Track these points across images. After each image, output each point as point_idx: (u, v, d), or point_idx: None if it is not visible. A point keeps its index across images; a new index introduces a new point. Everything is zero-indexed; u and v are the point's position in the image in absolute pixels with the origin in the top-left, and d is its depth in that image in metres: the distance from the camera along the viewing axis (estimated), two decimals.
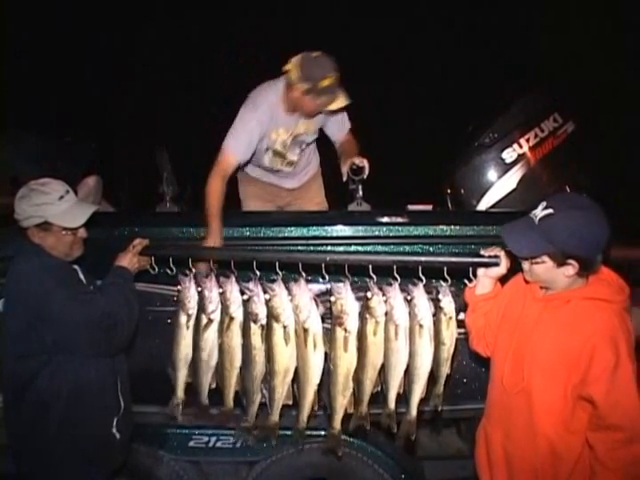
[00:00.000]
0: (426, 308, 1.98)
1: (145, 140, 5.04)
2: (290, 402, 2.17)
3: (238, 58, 7.18)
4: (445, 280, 1.99)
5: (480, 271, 1.97)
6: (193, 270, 2.18)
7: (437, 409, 2.10)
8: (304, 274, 2.06)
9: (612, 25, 6.50)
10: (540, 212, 1.68)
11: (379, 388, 2.09)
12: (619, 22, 6.42)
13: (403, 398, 2.09)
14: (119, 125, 6.89)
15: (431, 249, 2.43)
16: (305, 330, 2.05)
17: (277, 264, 2.07)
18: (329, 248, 2.44)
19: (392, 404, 2.08)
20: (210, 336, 2.18)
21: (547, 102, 3.03)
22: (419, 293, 1.98)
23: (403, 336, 2.01)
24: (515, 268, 1.89)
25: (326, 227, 2.49)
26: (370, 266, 2.01)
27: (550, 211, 1.65)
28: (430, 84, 6.99)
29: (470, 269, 1.99)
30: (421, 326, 1.98)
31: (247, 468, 2.69)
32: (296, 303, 2.04)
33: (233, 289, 2.12)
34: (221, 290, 2.13)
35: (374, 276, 2.00)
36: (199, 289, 2.16)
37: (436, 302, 1.99)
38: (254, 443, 2.45)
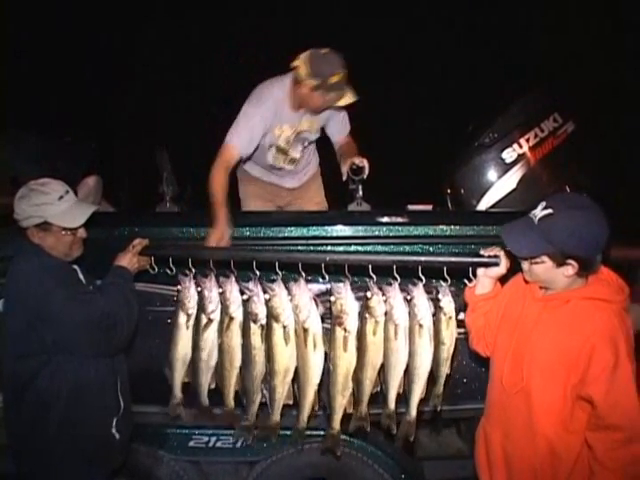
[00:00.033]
0: (426, 308, 1.98)
1: (145, 140, 5.04)
2: (291, 402, 2.17)
3: (238, 58, 7.18)
4: (445, 280, 1.99)
5: (480, 271, 1.97)
6: (193, 270, 2.18)
7: (437, 409, 2.10)
8: (304, 274, 2.06)
9: (612, 25, 6.49)
10: (539, 212, 1.68)
11: (379, 388, 2.09)
12: (619, 22, 6.42)
13: (403, 398, 2.09)
14: (119, 125, 6.89)
15: (431, 249, 2.43)
16: (305, 330, 2.05)
17: (277, 264, 2.08)
18: (329, 248, 2.44)
19: (392, 404, 2.08)
20: (210, 336, 2.18)
21: (547, 102, 3.02)
22: (419, 293, 1.98)
23: (403, 336, 2.01)
24: (515, 268, 1.89)
25: (326, 227, 2.49)
26: (370, 266, 2.01)
27: (549, 211, 1.65)
28: (430, 84, 6.98)
29: (470, 269, 1.99)
30: (421, 326, 1.98)
31: (247, 468, 2.69)
32: (296, 303, 2.04)
33: (233, 289, 2.12)
34: (221, 290, 2.13)
35: (374, 276, 2.00)
36: (199, 289, 2.16)
37: (436, 302, 1.99)
38: (255, 442, 2.45)
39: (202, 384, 2.23)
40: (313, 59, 2.55)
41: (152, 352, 2.44)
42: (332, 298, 2.03)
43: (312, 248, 2.42)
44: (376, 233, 2.47)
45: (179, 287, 2.19)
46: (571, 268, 1.67)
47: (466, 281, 2.03)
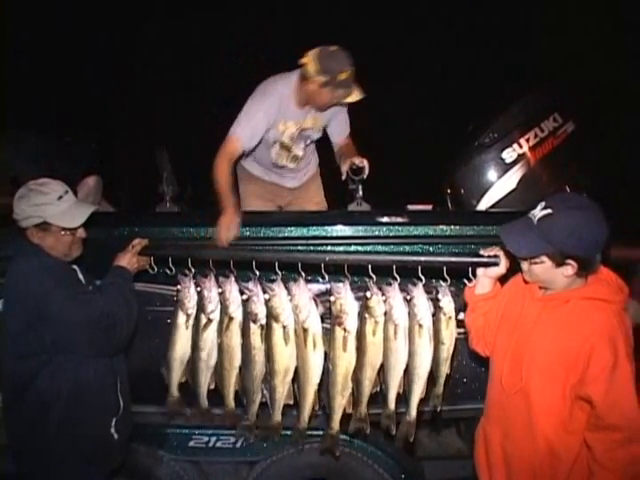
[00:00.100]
0: (425, 308, 1.98)
1: (145, 140, 5.04)
2: (291, 402, 2.17)
3: (238, 58, 7.18)
4: (444, 280, 1.99)
5: (479, 271, 1.97)
6: (193, 270, 2.18)
7: (437, 409, 2.10)
8: (304, 274, 2.06)
9: (612, 25, 6.49)
10: (539, 212, 1.68)
11: (378, 388, 2.09)
12: (619, 22, 6.42)
13: (403, 398, 2.09)
14: (119, 125, 6.89)
15: (431, 249, 2.43)
16: (305, 330, 2.05)
17: (276, 264, 2.08)
18: (329, 248, 2.43)
19: (392, 404, 2.08)
20: (209, 336, 2.18)
21: (547, 102, 3.02)
22: (418, 293, 1.98)
23: (402, 336, 2.01)
24: (514, 268, 1.89)
25: (326, 227, 2.48)
26: (369, 266, 2.01)
27: (549, 211, 1.65)
28: (430, 84, 6.98)
29: (469, 269, 1.99)
30: (420, 326, 1.98)
31: (247, 468, 2.69)
32: (296, 303, 2.05)
33: (232, 289, 2.12)
34: (220, 290, 2.13)
35: (373, 276, 2.00)
36: (198, 289, 2.16)
37: (435, 302, 1.99)
38: (255, 442, 2.45)
39: (201, 384, 2.24)
40: (322, 56, 2.59)
41: (152, 352, 2.44)
42: (332, 298, 2.03)
43: (312, 248, 2.41)
44: (376, 233, 2.47)
45: (178, 287, 2.19)
46: (570, 268, 1.67)
47: (466, 281, 2.03)
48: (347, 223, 2.50)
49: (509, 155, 2.92)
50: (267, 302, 2.06)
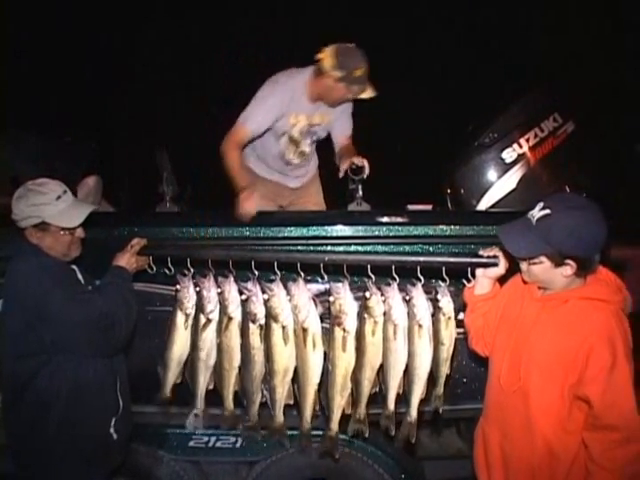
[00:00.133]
0: (425, 308, 1.98)
1: (145, 140, 5.04)
2: (291, 402, 2.17)
3: (238, 58, 7.18)
4: (444, 280, 1.99)
5: (479, 271, 1.97)
6: (192, 270, 2.18)
7: (438, 411, 2.10)
8: (303, 274, 2.06)
9: (612, 25, 6.48)
10: (537, 212, 1.68)
11: (377, 389, 2.08)
12: (619, 22, 6.41)
13: (403, 398, 2.08)
14: (119, 125, 6.89)
15: (431, 249, 2.43)
16: (304, 330, 2.05)
17: (275, 264, 2.08)
18: (329, 248, 2.43)
19: (391, 405, 2.08)
20: (208, 336, 2.18)
21: (547, 102, 3.02)
22: (418, 293, 1.98)
23: (402, 336, 2.01)
24: (514, 268, 1.89)
25: (326, 227, 2.48)
26: (369, 266, 2.01)
27: (547, 211, 1.65)
28: (430, 84, 6.98)
29: (469, 269, 1.99)
30: (420, 326, 1.98)
31: (247, 468, 2.69)
32: (295, 303, 2.04)
33: (231, 289, 2.12)
34: (219, 290, 2.13)
35: (373, 276, 2.00)
36: (197, 289, 2.16)
37: (435, 302, 1.99)
38: (255, 442, 2.45)
39: (200, 384, 2.23)
40: (339, 52, 2.69)
41: (151, 352, 2.44)
42: (331, 298, 2.03)
43: (312, 248, 2.41)
44: (376, 233, 2.47)
45: (177, 287, 2.19)
46: (569, 268, 1.67)
47: (465, 281, 2.03)
48: (347, 223, 2.50)
49: (509, 155, 2.92)
50: (266, 302, 2.06)
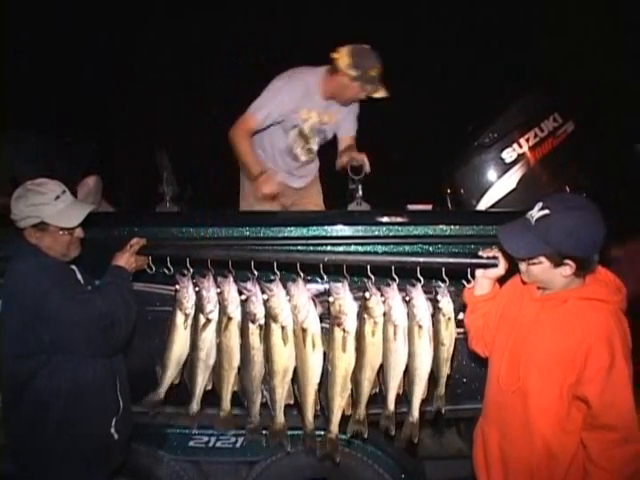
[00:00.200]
0: (425, 309, 1.98)
1: (145, 140, 5.04)
2: (291, 402, 2.16)
3: (238, 58, 7.17)
4: (443, 281, 1.99)
5: (478, 272, 1.97)
6: (191, 270, 2.18)
7: (440, 411, 2.10)
8: (302, 274, 2.06)
9: (612, 25, 6.48)
10: (536, 213, 1.68)
11: (377, 389, 2.08)
12: (619, 22, 6.41)
13: (403, 399, 2.08)
14: (119, 125, 6.89)
15: (431, 249, 2.43)
16: (304, 330, 2.05)
17: (275, 264, 2.07)
18: (329, 248, 2.43)
19: (391, 405, 2.08)
20: (208, 336, 2.18)
21: (547, 102, 3.02)
22: (417, 293, 1.98)
23: (402, 336, 2.00)
24: (513, 269, 1.89)
25: (326, 227, 2.48)
26: (368, 266, 2.00)
27: (546, 212, 1.65)
28: (430, 84, 6.97)
29: (468, 270, 1.99)
30: (420, 327, 1.98)
31: (247, 468, 2.69)
32: (294, 303, 2.04)
33: (231, 289, 2.12)
34: (219, 290, 2.13)
35: (372, 276, 2.00)
36: (197, 289, 2.15)
37: (435, 303, 1.99)
38: (256, 442, 2.45)
39: (199, 384, 2.23)
40: (355, 52, 2.79)
41: (151, 352, 2.44)
42: (331, 298, 2.02)
43: (312, 248, 2.41)
44: (376, 233, 2.47)
45: (177, 287, 2.18)
46: (569, 268, 1.66)
47: (465, 282, 2.03)
48: (347, 223, 2.49)
49: (509, 155, 2.92)
50: (266, 302, 2.06)
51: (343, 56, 2.81)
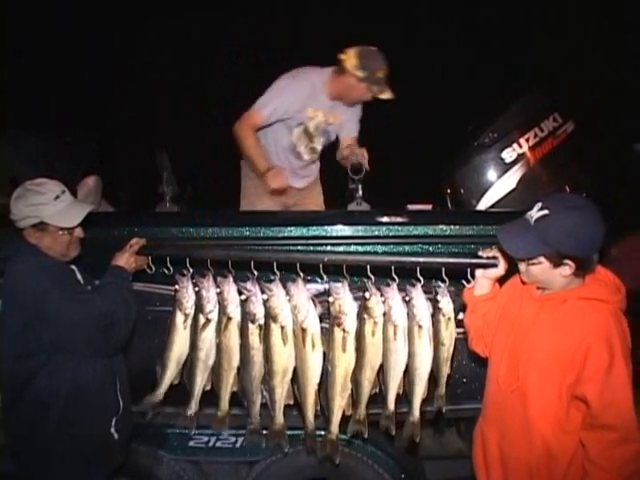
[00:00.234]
0: (424, 309, 1.98)
1: (145, 140, 5.04)
2: (291, 402, 2.16)
3: (238, 58, 7.17)
4: (443, 281, 1.99)
5: (478, 272, 1.97)
6: (191, 270, 2.18)
7: (441, 411, 2.10)
8: (302, 274, 2.06)
9: (612, 25, 6.48)
10: (535, 213, 1.67)
11: (377, 389, 2.08)
12: (619, 22, 6.41)
13: (403, 399, 2.08)
14: (119, 125, 6.89)
15: (431, 249, 2.43)
16: (303, 330, 2.05)
17: (275, 264, 2.07)
18: (329, 248, 2.44)
19: (391, 405, 2.08)
20: (208, 336, 2.18)
21: (547, 102, 3.02)
22: (417, 293, 1.98)
23: (402, 336, 2.01)
24: (513, 269, 1.89)
25: (325, 227, 2.48)
26: (368, 266, 2.00)
27: (545, 212, 1.65)
28: (430, 84, 6.97)
29: (468, 270, 1.99)
30: (420, 327, 1.98)
31: (247, 468, 2.69)
32: (294, 303, 2.04)
33: (231, 289, 2.12)
34: (219, 290, 2.13)
35: (372, 276, 2.00)
36: (196, 289, 2.15)
37: (434, 303, 1.99)
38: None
39: (198, 385, 2.23)
40: (363, 53, 2.83)
41: (151, 352, 2.44)
42: (330, 298, 2.02)
43: (312, 248, 2.41)
44: (376, 233, 2.47)
45: (176, 287, 2.18)
46: (568, 268, 1.66)
47: (465, 282, 2.03)
48: (347, 223, 2.50)
49: (509, 155, 2.92)
50: (265, 302, 2.06)
51: (350, 57, 2.84)
